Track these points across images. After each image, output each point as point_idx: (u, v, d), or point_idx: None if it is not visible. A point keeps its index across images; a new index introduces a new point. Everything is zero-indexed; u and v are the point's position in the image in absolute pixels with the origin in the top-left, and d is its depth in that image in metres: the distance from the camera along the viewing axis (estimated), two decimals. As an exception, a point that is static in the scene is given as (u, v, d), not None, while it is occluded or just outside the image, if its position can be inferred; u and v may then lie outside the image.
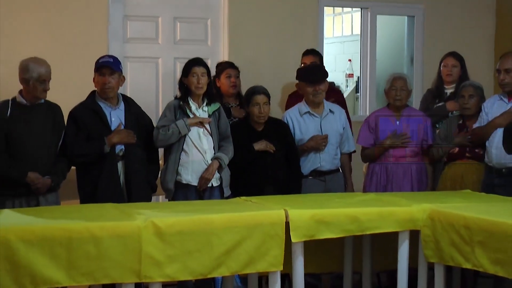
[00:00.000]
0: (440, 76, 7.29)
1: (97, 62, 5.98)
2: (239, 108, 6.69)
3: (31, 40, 7.32)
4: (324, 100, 6.60)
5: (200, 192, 6.00)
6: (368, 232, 5.41)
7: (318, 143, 6.44)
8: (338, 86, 8.58)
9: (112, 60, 5.99)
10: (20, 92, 5.85)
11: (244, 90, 6.69)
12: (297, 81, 6.79)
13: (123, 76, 6.08)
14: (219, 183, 6.06)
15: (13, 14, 7.56)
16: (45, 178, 5.73)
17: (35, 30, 7.57)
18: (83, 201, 5.87)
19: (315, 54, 7.37)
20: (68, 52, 7.54)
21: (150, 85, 8.08)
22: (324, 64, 7.31)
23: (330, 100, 6.89)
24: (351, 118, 7.16)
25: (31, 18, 7.60)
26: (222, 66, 7.04)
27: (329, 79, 6.86)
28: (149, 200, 6.10)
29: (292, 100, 7.08)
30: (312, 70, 6.66)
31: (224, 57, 8.01)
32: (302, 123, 6.52)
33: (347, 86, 10.41)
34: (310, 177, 6.47)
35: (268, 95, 6.31)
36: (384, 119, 6.75)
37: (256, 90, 6.33)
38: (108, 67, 5.89)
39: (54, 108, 5.96)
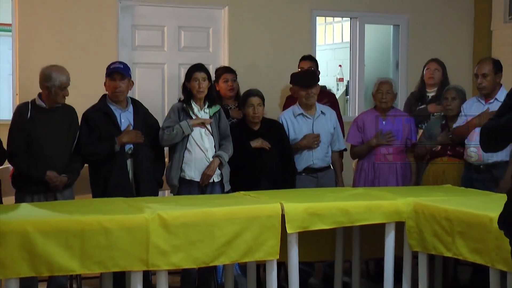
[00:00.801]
0: (423, 80, 7.30)
1: (108, 68, 5.99)
2: (237, 110, 6.69)
3: (47, 48, 7.33)
4: (316, 103, 6.60)
5: (203, 187, 6.01)
6: (357, 224, 5.44)
7: (310, 142, 6.45)
8: (330, 90, 8.59)
9: (122, 66, 6.00)
10: (39, 95, 5.85)
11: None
12: (291, 85, 6.79)
13: (132, 81, 6.11)
14: (219, 179, 6.07)
15: (30, 24, 7.58)
16: (62, 176, 5.75)
17: (50, 39, 7.57)
18: (95, 195, 5.87)
19: (312, 60, 7.36)
20: (81, 59, 7.54)
21: (156, 89, 8.08)
22: (316, 66, 7.32)
23: (324, 102, 6.90)
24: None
25: (47, 28, 7.61)
26: (220, 71, 7.02)
27: (321, 83, 6.91)
28: (156, 194, 6.10)
29: (289, 102, 7.06)
30: (304, 75, 6.67)
31: (224, 63, 7.99)
32: (296, 123, 6.52)
33: (337, 89, 10.39)
34: (304, 174, 6.46)
35: (262, 97, 6.31)
36: (371, 119, 6.75)
37: (250, 93, 6.34)
38: (119, 73, 5.90)
39: (70, 111, 5.97)
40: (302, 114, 6.54)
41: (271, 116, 6.64)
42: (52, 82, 5.71)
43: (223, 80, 6.87)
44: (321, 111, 6.59)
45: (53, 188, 5.68)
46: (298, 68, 7.18)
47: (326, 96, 7.30)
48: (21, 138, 5.72)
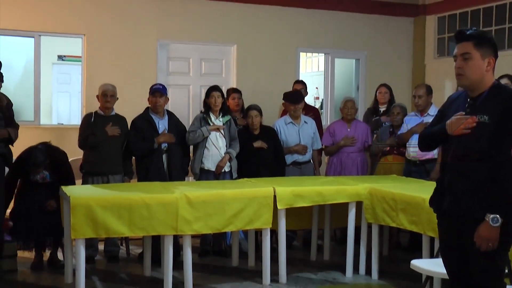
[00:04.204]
0: (376, 99, 7.26)
1: (151, 88, 6.00)
2: (243, 119, 6.70)
3: (106, 74, 7.29)
4: (301, 115, 6.59)
5: (217, 175, 6.00)
6: (328, 202, 5.45)
7: (300, 149, 6.43)
8: (314, 105, 8.65)
9: (161, 87, 6.02)
10: (99, 107, 5.94)
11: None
12: (283, 101, 6.79)
13: (168, 98, 6.11)
14: (229, 169, 6.07)
15: (94, 56, 7.61)
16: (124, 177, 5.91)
17: (109, 67, 7.57)
18: (140, 180, 5.89)
19: (302, 83, 7.32)
20: (130, 81, 7.55)
21: (184, 103, 8.06)
22: (305, 88, 7.28)
23: (310, 115, 6.89)
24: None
25: (107, 59, 7.62)
26: (230, 91, 7.00)
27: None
28: (183, 180, 6.10)
29: (284, 113, 7.06)
30: (292, 94, 6.65)
31: (233, 85, 7.96)
32: (286, 129, 6.50)
33: (315, 105, 10.38)
34: (291, 166, 6.43)
35: (259, 110, 6.29)
36: (339, 127, 6.76)
37: (250, 107, 6.36)
38: (159, 92, 5.92)
39: (122, 118, 6.01)
40: (291, 122, 6.52)
41: (271, 123, 6.63)
42: (101, 89, 5.88)
43: (232, 98, 6.87)
44: (305, 121, 6.58)
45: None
46: (292, 88, 7.14)
47: (311, 110, 7.30)
48: (86, 133, 5.79)
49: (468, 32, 3.08)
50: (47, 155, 5.53)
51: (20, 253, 5.58)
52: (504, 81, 5.36)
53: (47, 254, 5.66)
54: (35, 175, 5.53)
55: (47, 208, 5.45)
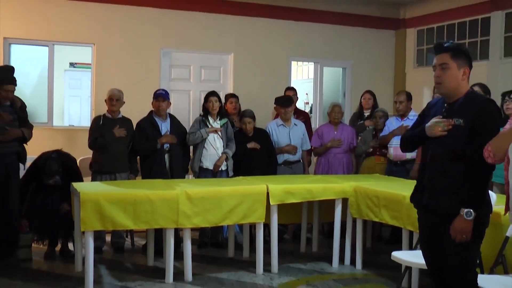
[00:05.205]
0: (361, 105, 7.27)
1: (155, 93, 5.98)
2: (239, 122, 6.68)
3: (114, 80, 7.32)
4: (292, 118, 6.58)
5: (214, 173, 5.98)
6: (317, 199, 5.43)
7: (291, 149, 6.42)
8: (304, 110, 8.66)
9: (164, 92, 5.99)
10: (107, 111, 5.92)
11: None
12: (275, 105, 6.79)
13: (170, 102, 6.08)
14: (226, 168, 6.04)
15: (103, 63, 7.60)
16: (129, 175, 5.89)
17: (116, 73, 7.57)
18: (144, 177, 5.85)
19: (293, 89, 7.33)
20: (136, 87, 7.52)
21: (185, 107, 8.04)
22: (296, 94, 7.29)
23: (300, 118, 6.89)
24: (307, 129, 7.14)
25: (114, 66, 7.61)
26: (227, 96, 6.98)
27: (293, 105, 6.87)
28: (184, 177, 6.08)
29: (276, 117, 7.04)
30: (283, 99, 6.65)
31: (230, 90, 7.95)
32: (278, 131, 6.48)
33: (305, 109, 10.39)
34: (282, 165, 6.40)
35: (252, 117, 6.25)
36: (327, 130, 6.76)
37: (244, 114, 6.31)
38: (162, 97, 5.89)
39: (127, 121, 5.98)
40: (282, 124, 6.51)
41: (265, 125, 6.62)
42: (108, 94, 5.85)
43: (229, 103, 6.84)
44: (294, 123, 6.56)
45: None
46: (284, 94, 7.09)
47: (302, 114, 7.29)
48: (95, 135, 5.77)
49: (445, 45, 3.11)
50: (60, 163, 5.58)
51: (34, 244, 5.58)
52: (476, 89, 5.33)
53: (58, 245, 5.68)
54: (48, 180, 5.56)
55: (61, 211, 5.47)
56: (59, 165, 5.57)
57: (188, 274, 4.86)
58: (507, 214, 3.12)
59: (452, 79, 3.06)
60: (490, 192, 3.20)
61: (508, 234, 3.61)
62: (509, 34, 7.74)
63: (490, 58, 7.89)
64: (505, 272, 3.64)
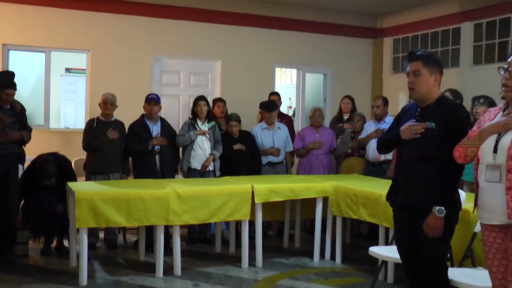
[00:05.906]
0: (341, 109, 7.29)
1: (146, 97, 5.94)
2: (226, 125, 6.67)
3: (107, 84, 7.27)
4: (276, 121, 6.57)
5: (202, 173, 5.96)
6: (299, 197, 5.42)
7: (274, 151, 6.41)
8: (288, 113, 8.67)
9: (156, 96, 5.96)
10: (101, 114, 5.86)
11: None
12: (260, 110, 6.78)
13: (161, 106, 6.04)
14: (213, 168, 6.02)
15: (97, 69, 7.56)
16: (122, 175, 5.84)
17: (109, 79, 7.53)
18: (136, 177, 5.81)
19: (277, 94, 7.32)
20: (128, 91, 7.47)
21: (175, 111, 8.01)
22: (280, 98, 7.28)
23: (284, 122, 6.88)
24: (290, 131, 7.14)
25: (108, 71, 7.58)
26: (215, 100, 6.97)
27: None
28: (174, 177, 6.05)
29: (261, 120, 7.04)
30: (268, 103, 6.64)
31: (218, 95, 7.94)
32: (262, 134, 6.46)
33: (288, 113, 10.41)
34: (266, 166, 6.39)
35: (237, 120, 6.23)
36: (309, 132, 6.76)
37: (230, 118, 6.28)
38: (153, 101, 5.86)
39: (120, 124, 5.93)
40: (266, 128, 6.50)
41: (250, 128, 6.61)
42: (102, 98, 5.82)
43: (217, 106, 6.83)
44: (278, 127, 6.56)
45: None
46: (269, 99, 7.10)
47: (285, 118, 7.29)
48: (89, 137, 5.73)
49: (418, 53, 3.14)
50: (56, 166, 5.53)
51: (30, 241, 5.53)
52: (447, 94, 5.38)
53: (54, 242, 5.63)
54: (45, 181, 5.52)
55: (56, 212, 5.43)
56: (56, 168, 5.52)
57: (178, 269, 4.84)
58: (476, 211, 3.14)
59: (424, 85, 3.09)
60: (460, 190, 3.23)
61: (476, 230, 3.64)
62: (478, 43, 7.84)
63: (461, 65, 7.98)
64: (473, 265, 3.68)
